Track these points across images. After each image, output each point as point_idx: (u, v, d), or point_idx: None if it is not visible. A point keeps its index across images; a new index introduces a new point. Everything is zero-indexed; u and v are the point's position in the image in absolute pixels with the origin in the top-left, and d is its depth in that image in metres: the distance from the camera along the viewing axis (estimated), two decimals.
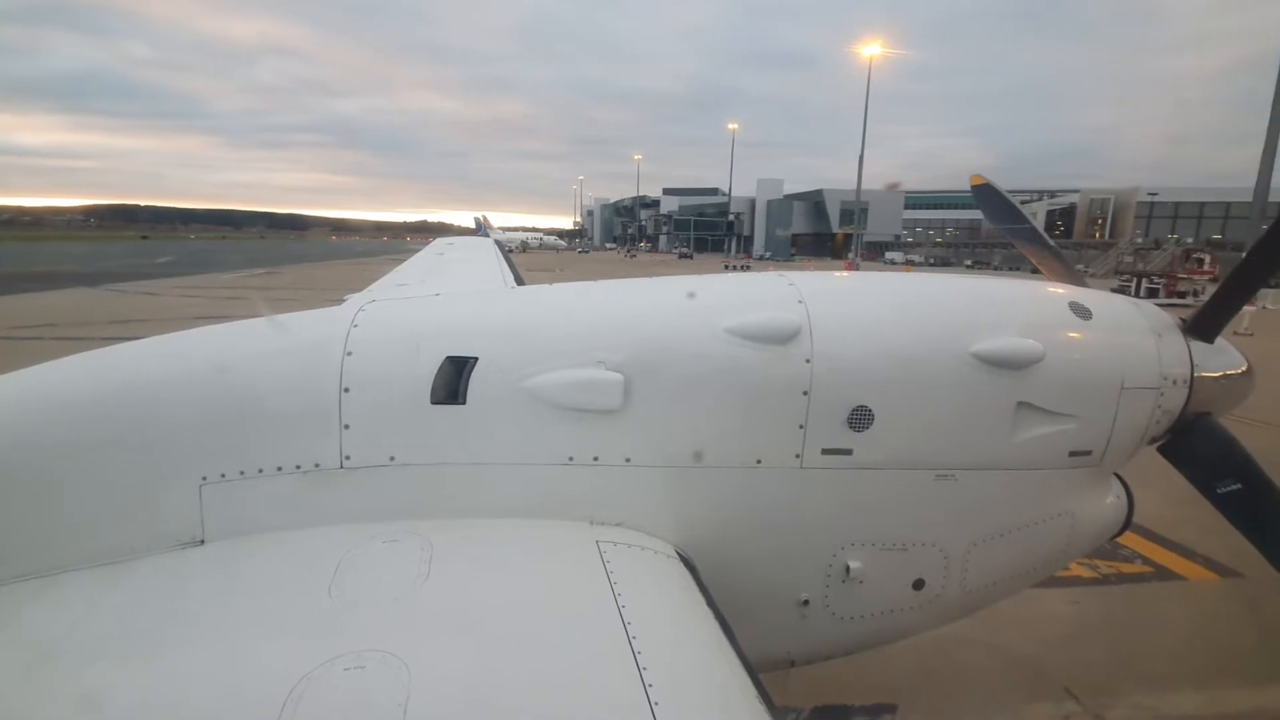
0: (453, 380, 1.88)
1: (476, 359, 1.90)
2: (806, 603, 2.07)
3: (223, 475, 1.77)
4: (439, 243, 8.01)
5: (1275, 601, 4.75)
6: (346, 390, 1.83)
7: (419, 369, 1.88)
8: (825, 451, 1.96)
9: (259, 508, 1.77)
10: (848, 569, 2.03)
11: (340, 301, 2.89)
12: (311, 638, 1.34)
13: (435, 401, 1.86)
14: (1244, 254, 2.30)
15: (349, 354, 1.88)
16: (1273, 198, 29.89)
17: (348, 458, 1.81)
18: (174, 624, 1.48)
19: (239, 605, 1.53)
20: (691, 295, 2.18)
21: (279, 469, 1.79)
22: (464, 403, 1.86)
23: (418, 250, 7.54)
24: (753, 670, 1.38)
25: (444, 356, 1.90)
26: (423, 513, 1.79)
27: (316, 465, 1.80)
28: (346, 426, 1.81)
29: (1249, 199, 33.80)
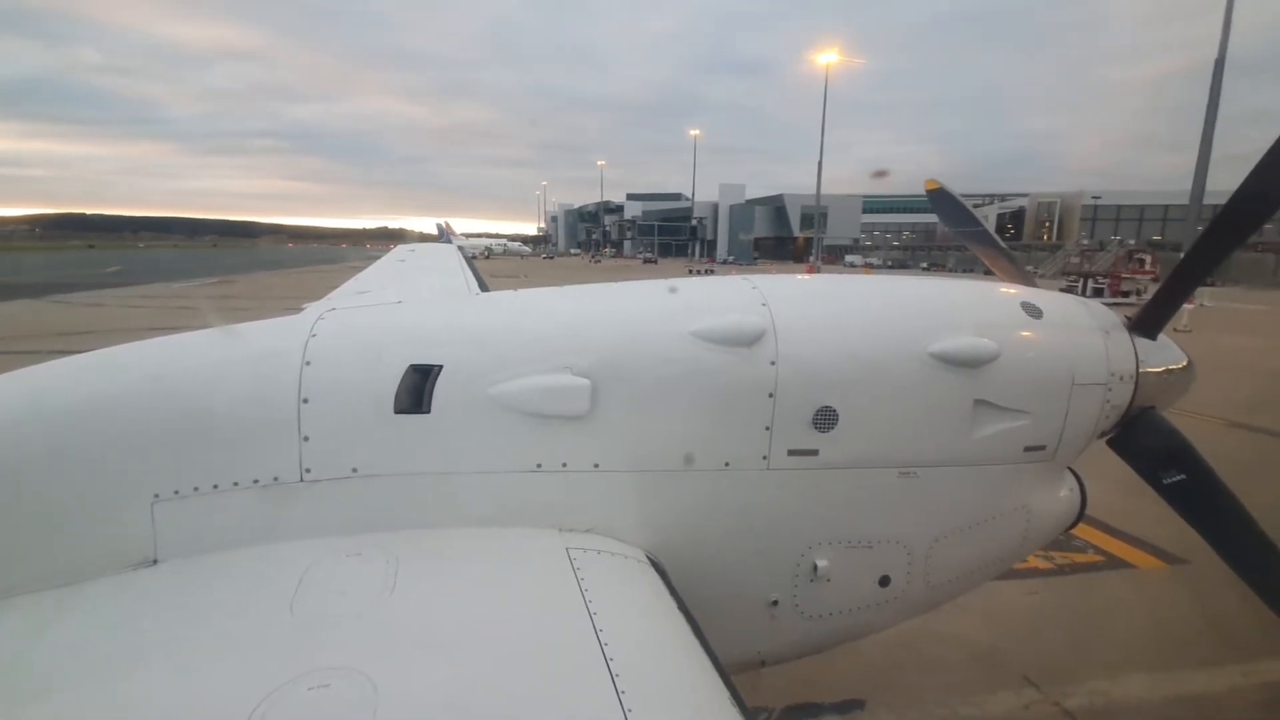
0: (416, 389, 1.85)
1: (441, 367, 1.87)
2: (776, 603, 2.09)
3: (176, 492, 1.70)
4: (400, 249, 7.87)
5: (1219, 586, 4.97)
6: (306, 401, 1.78)
7: (381, 378, 1.85)
8: (792, 453, 1.99)
9: (215, 525, 1.71)
10: (815, 568, 2.06)
11: (298, 310, 2.82)
12: (273, 657, 1.29)
13: (399, 411, 1.82)
14: (1182, 255, 2.41)
15: (308, 364, 1.83)
16: (1208, 201, 31.45)
17: (308, 470, 1.76)
18: (127, 648, 1.41)
19: (196, 626, 1.47)
20: (659, 299, 2.19)
21: (235, 484, 1.73)
22: (428, 411, 1.83)
23: (378, 257, 7.40)
24: (725, 672, 1.39)
25: (407, 364, 1.86)
26: (388, 525, 1.76)
27: (275, 479, 1.75)
28: (306, 438, 1.77)
29: (1186, 202, 35.52)
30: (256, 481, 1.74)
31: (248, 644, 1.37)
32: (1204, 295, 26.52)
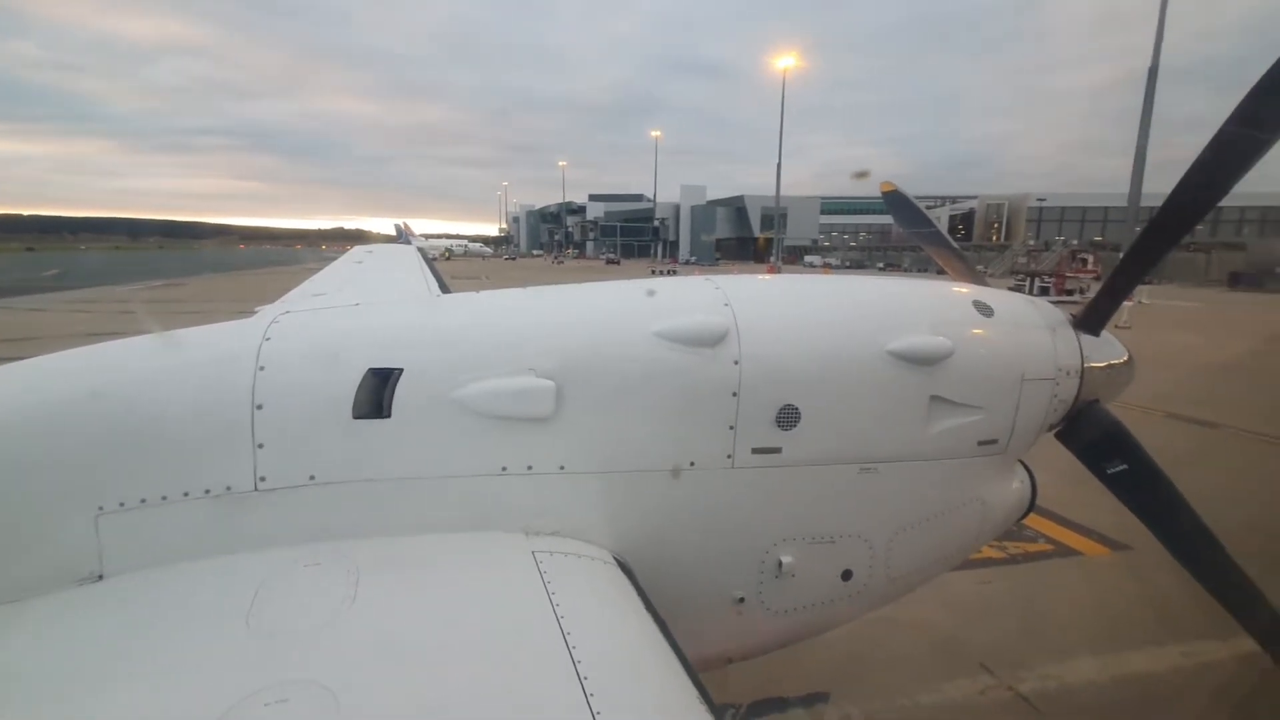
0: (376, 393, 1.81)
1: (401, 370, 1.83)
2: (742, 600, 2.11)
3: (121, 504, 1.63)
4: (357, 251, 7.68)
5: (1160, 571, 5.22)
6: (260, 407, 1.73)
7: (339, 382, 1.80)
8: (755, 451, 2.01)
9: (165, 537, 1.64)
10: (780, 564, 2.09)
11: (251, 314, 2.73)
12: (228, 672, 1.25)
13: (358, 416, 1.78)
14: (1122, 254, 2.52)
15: (261, 368, 1.78)
16: (1144, 204, 33.01)
17: (263, 479, 1.70)
18: (72, 667, 1.34)
19: (145, 643, 1.41)
20: (622, 300, 2.19)
21: (185, 495, 1.67)
22: (389, 416, 1.79)
23: (335, 259, 7.21)
24: (693, 671, 1.39)
25: (366, 368, 1.82)
26: (348, 533, 1.71)
27: (228, 488, 1.69)
28: (261, 446, 1.71)
29: (1124, 204, 37.19)
30: (208, 492, 1.68)
31: (201, 660, 1.32)
32: (1142, 293, 27.82)
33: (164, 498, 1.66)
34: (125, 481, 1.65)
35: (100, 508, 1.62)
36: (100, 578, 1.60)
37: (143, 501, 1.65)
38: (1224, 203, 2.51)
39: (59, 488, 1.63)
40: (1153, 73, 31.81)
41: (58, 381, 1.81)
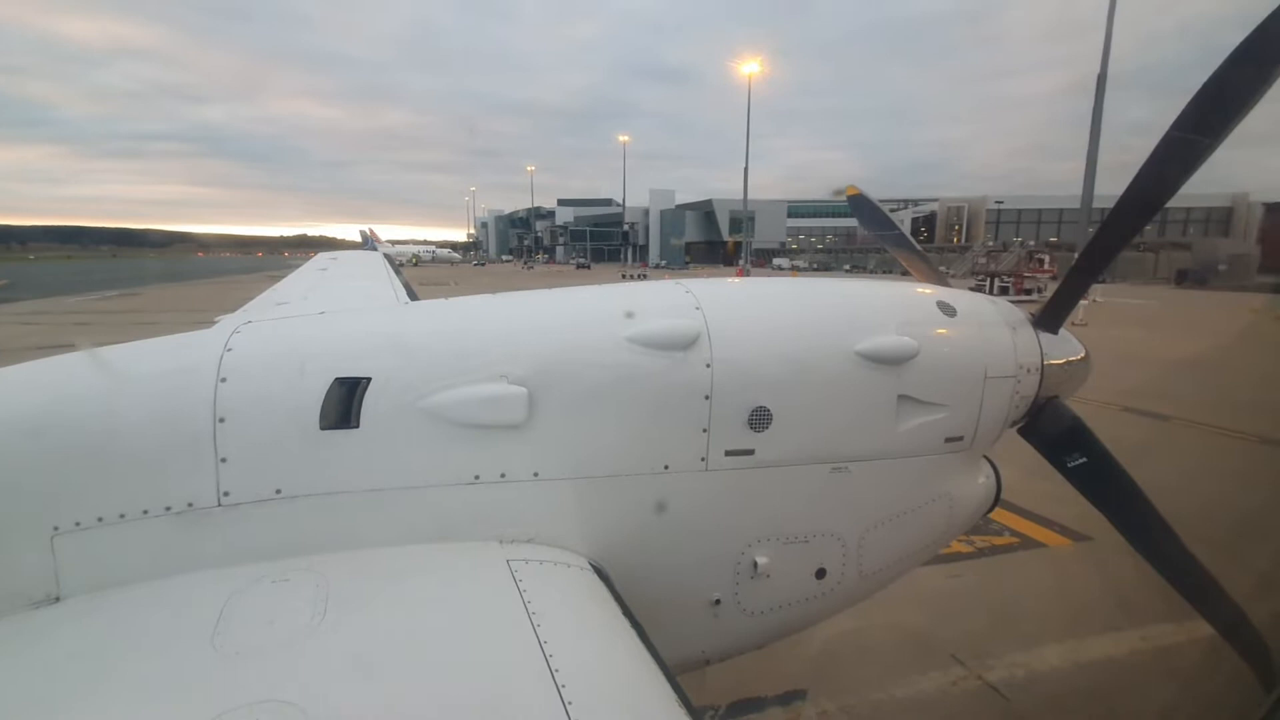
0: (344, 403, 1.77)
1: (369, 379, 1.80)
2: (718, 602, 2.12)
3: (78, 523, 1.57)
4: (321, 258, 7.52)
5: (1119, 559, 5.40)
6: (222, 420, 1.68)
7: (305, 392, 1.76)
8: (729, 453, 2.02)
9: (125, 556, 1.59)
10: (755, 565, 2.10)
11: (211, 324, 2.66)
12: (193, 696, 1.21)
13: (325, 427, 1.74)
14: (1077, 255, 2.60)
15: (223, 380, 1.73)
16: (1096, 205, 34.23)
17: (226, 494, 1.66)
18: (27, 694, 1.28)
19: (104, 666, 1.35)
20: (593, 305, 2.18)
21: (145, 512, 1.61)
22: (357, 426, 1.76)
23: (298, 266, 7.06)
24: (671, 674, 1.40)
25: (333, 378, 1.79)
26: (317, 547, 1.67)
27: (190, 505, 1.64)
28: (223, 460, 1.66)
29: (1078, 205, 38.49)
30: (169, 509, 1.63)
31: (163, 683, 1.28)
32: (1096, 291, 28.77)
33: (122, 516, 1.60)
34: (81, 500, 1.59)
35: (55, 528, 1.56)
36: (57, 599, 1.54)
37: (100, 520, 1.59)
38: (1170, 204, 2.61)
39: (11, 508, 1.57)
40: (1101, 79, 32.97)
41: (7, 398, 1.74)
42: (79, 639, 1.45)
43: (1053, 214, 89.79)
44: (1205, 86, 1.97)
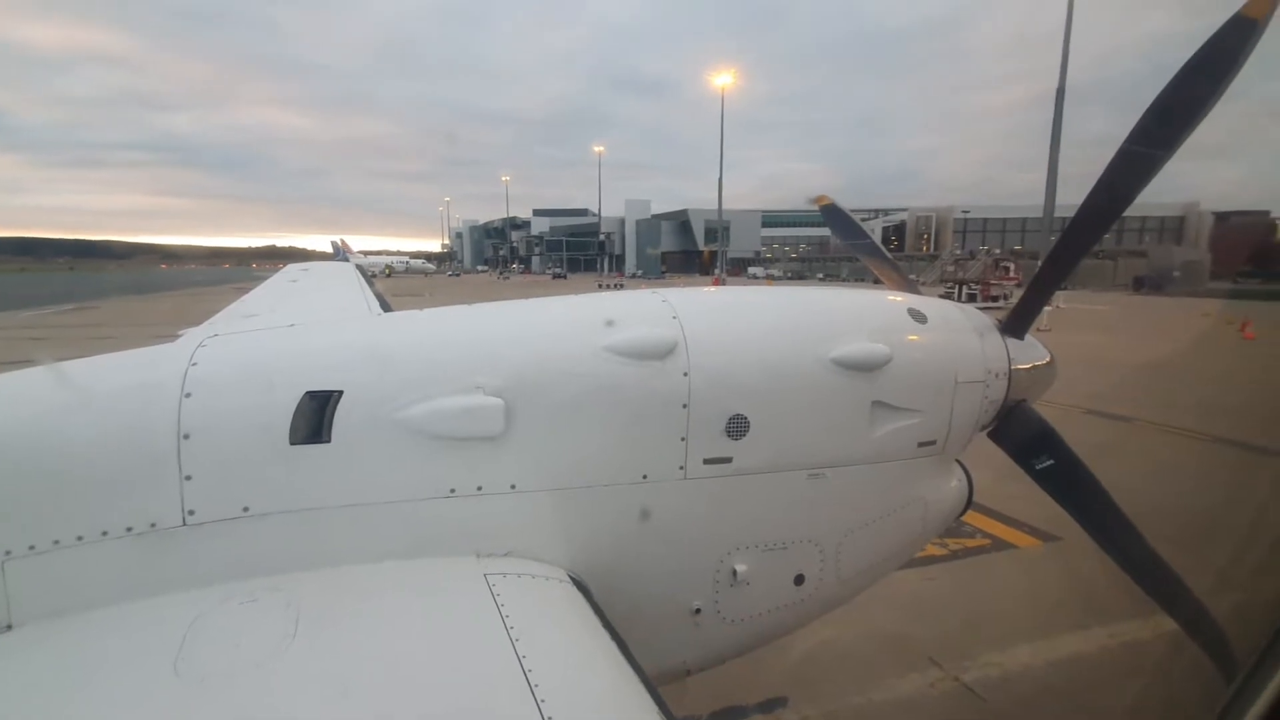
0: (315, 417, 1.74)
1: (341, 392, 1.77)
2: (699, 611, 2.12)
3: (31, 547, 1.51)
4: (292, 269, 7.38)
5: (1087, 559, 5.52)
6: (186, 437, 1.63)
7: (274, 407, 1.72)
8: (707, 461, 2.03)
9: (82, 580, 1.53)
10: (735, 573, 2.11)
11: (175, 338, 2.59)
12: None
13: (295, 442, 1.70)
14: (1040, 263, 2.68)
15: (188, 395, 1.68)
16: (1057, 214, 35.28)
17: (191, 513, 1.61)
18: None
19: (59, 696, 1.29)
20: (570, 314, 2.18)
21: (104, 534, 1.56)
22: (328, 441, 1.72)
23: (267, 278, 6.92)
24: (652, 686, 1.39)
25: (303, 391, 1.75)
26: (287, 566, 1.63)
27: (152, 525, 1.58)
28: (188, 478, 1.62)
29: (1040, 215, 39.60)
30: (130, 529, 1.57)
31: (123, 712, 1.23)
32: (1059, 298, 29.60)
33: (80, 538, 1.54)
34: (34, 523, 1.53)
35: (7, 552, 1.50)
36: (9, 627, 1.48)
37: (56, 543, 1.53)
38: (1127, 213, 2.70)
39: None
40: (1060, 93, 34.12)
41: None
42: (31, 668, 1.39)
43: (1017, 223, 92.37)
44: (1156, 102, 2.06)
